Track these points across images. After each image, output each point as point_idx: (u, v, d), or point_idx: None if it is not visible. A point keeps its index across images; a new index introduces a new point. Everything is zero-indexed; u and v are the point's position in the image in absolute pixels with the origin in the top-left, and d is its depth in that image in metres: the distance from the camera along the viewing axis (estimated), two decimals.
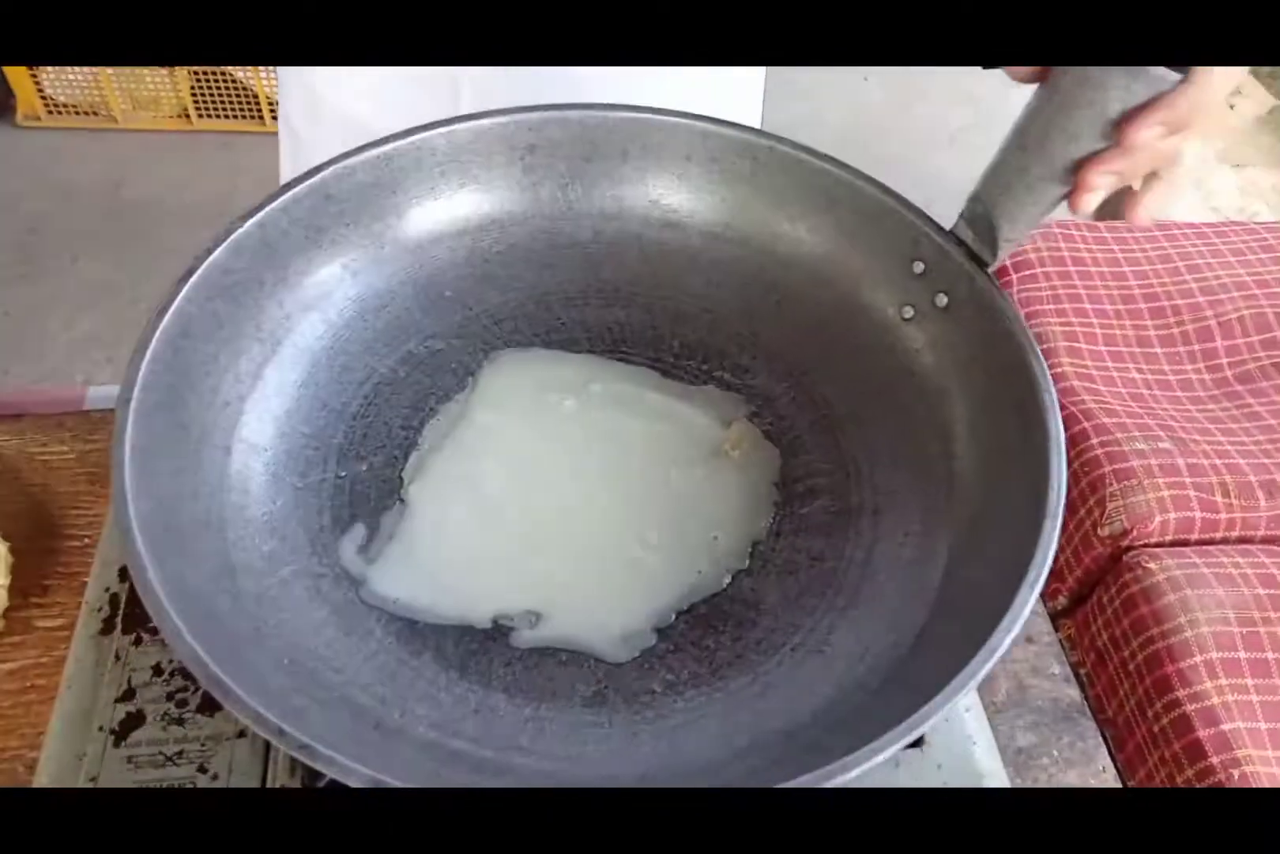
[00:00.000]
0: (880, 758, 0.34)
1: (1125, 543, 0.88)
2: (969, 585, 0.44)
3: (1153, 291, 1.02)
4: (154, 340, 0.44)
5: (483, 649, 0.45)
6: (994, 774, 0.45)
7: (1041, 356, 0.46)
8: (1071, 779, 0.54)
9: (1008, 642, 0.37)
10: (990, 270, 0.49)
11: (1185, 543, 0.90)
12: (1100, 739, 0.56)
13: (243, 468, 0.47)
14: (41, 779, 0.44)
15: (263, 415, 0.49)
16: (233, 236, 0.47)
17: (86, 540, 0.56)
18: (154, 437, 0.43)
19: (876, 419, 0.52)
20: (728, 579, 0.48)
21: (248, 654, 0.40)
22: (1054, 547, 0.40)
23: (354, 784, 0.33)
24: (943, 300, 0.51)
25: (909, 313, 0.53)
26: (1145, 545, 0.90)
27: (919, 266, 0.52)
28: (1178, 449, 0.92)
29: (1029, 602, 0.38)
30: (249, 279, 0.49)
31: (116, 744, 0.44)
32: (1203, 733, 0.78)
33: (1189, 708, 0.80)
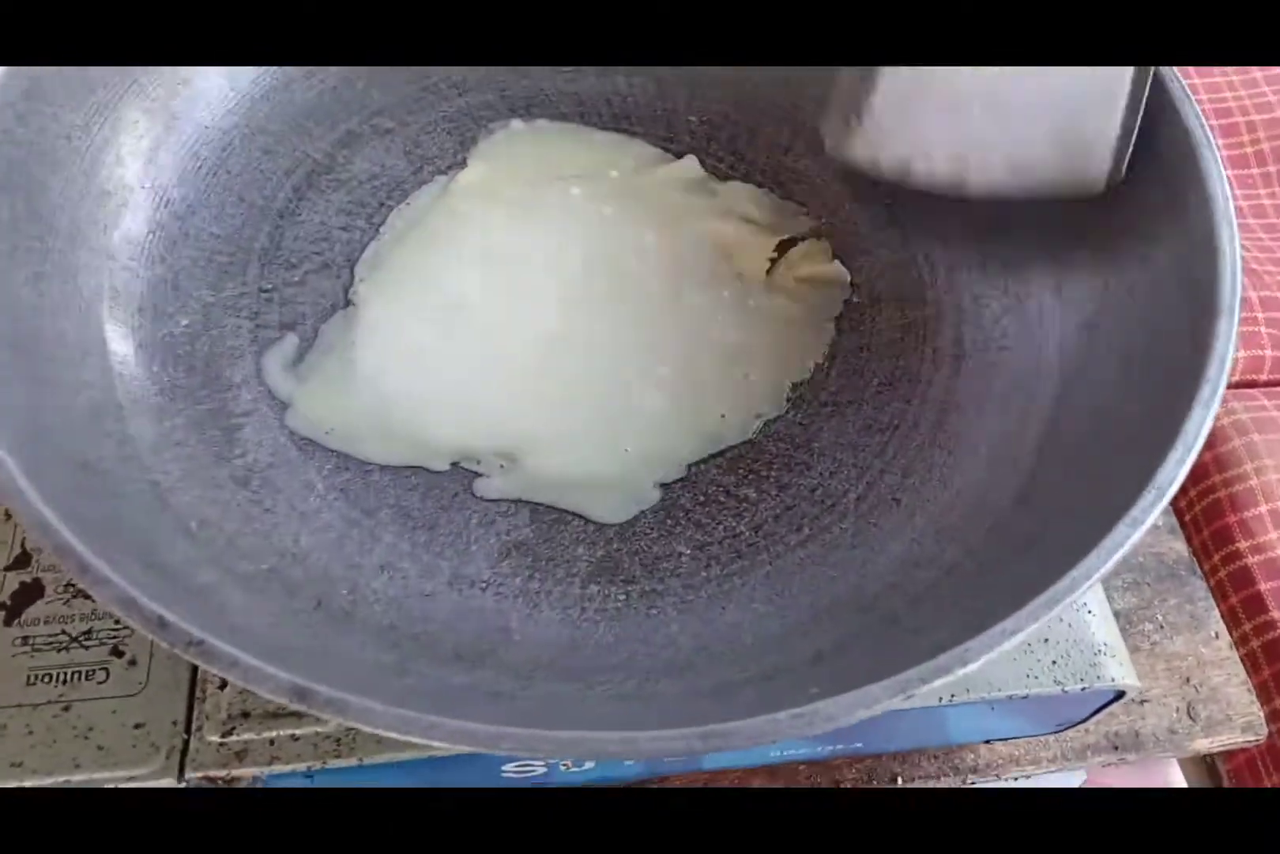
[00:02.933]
0: (1010, 642, 0.24)
1: None
2: (1095, 412, 0.33)
3: (1225, 106, 0.89)
4: None
5: (456, 505, 0.34)
6: (1113, 648, 0.35)
7: (1195, 103, 0.34)
8: (1179, 647, 0.46)
9: (1177, 479, 0.27)
10: None
11: (1253, 384, 0.82)
12: (1211, 601, 0.47)
13: (132, 278, 0.36)
14: None
15: (158, 209, 0.37)
16: None
17: None
18: None
19: (955, 207, 0.40)
20: (757, 426, 0.37)
21: (139, 516, 0.30)
22: (1231, 351, 0.29)
23: (266, 694, 0.23)
24: None
25: None
26: None
27: None
28: (1249, 282, 0.81)
29: (1204, 423, 0.28)
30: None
31: (8, 622, 0.35)
32: (1264, 586, 0.71)
33: (1250, 560, 0.73)
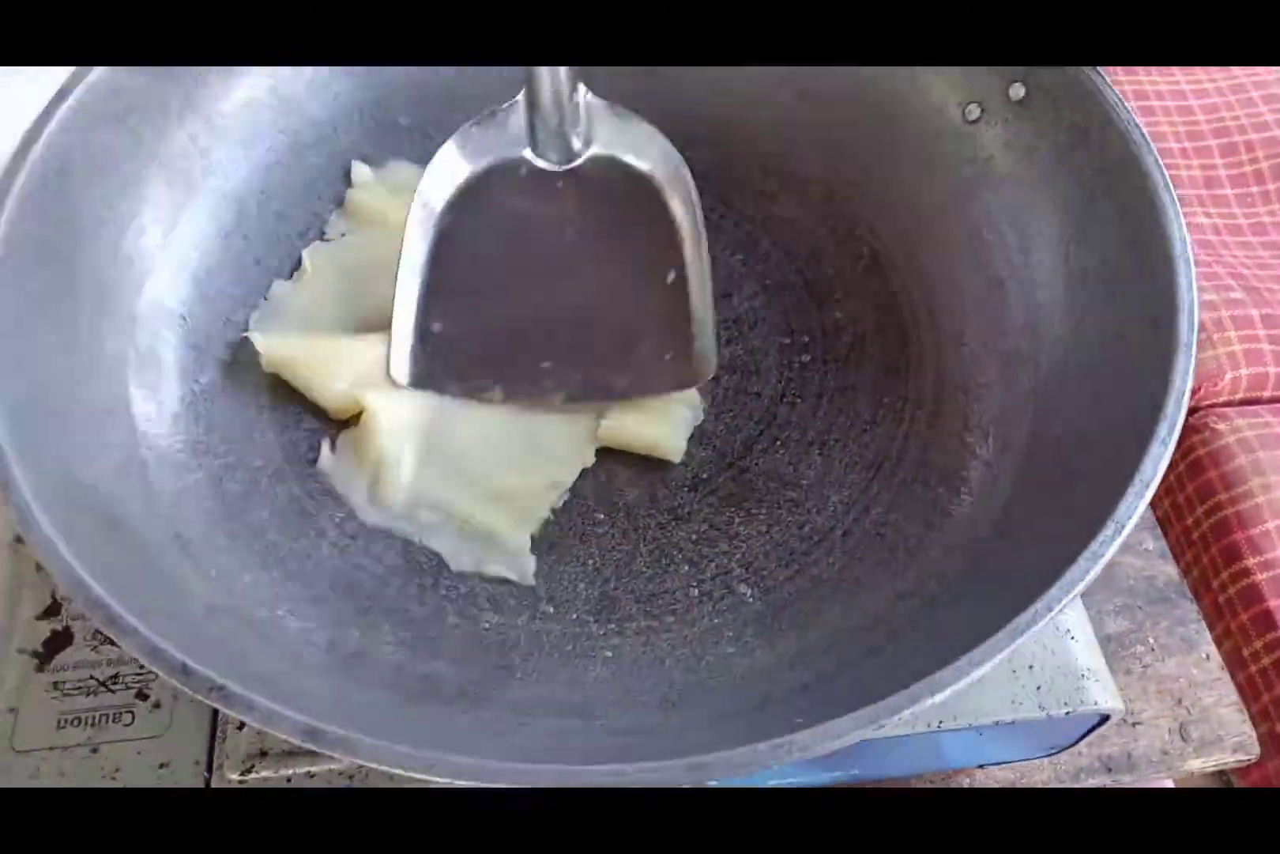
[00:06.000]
0: (978, 673, 0.26)
1: (1192, 403, 0.81)
2: (1066, 446, 0.35)
3: (1224, 126, 0.91)
4: (20, 180, 0.34)
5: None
6: (1096, 673, 0.37)
7: (1154, 149, 0.36)
8: (1171, 669, 0.47)
9: (1135, 514, 0.28)
10: None
11: (1258, 401, 0.83)
12: (1202, 623, 0.48)
13: (155, 341, 0.38)
14: None
15: (178, 274, 0.40)
16: None
17: None
18: (30, 302, 0.34)
19: (936, 250, 0.42)
20: None
21: (164, 567, 0.32)
22: (1189, 386, 0.31)
23: (281, 734, 0.25)
24: (1018, 92, 0.40)
25: (975, 112, 0.42)
26: (1213, 405, 0.83)
27: None
28: (1251, 299, 0.82)
29: (1161, 460, 0.29)
30: (147, 103, 0.39)
31: (40, 668, 0.37)
32: (1273, 602, 0.71)
33: (1259, 577, 0.73)
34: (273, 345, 0.39)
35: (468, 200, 0.39)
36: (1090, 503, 0.30)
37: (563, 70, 0.37)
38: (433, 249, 0.39)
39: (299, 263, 0.42)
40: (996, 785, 0.44)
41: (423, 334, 0.39)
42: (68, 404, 0.34)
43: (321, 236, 0.43)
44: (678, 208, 0.40)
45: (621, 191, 0.40)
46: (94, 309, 0.36)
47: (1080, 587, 0.27)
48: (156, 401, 0.37)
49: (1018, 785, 0.44)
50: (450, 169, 0.40)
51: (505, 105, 0.39)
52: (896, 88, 0.44)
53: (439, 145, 0.46)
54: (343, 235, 0.43)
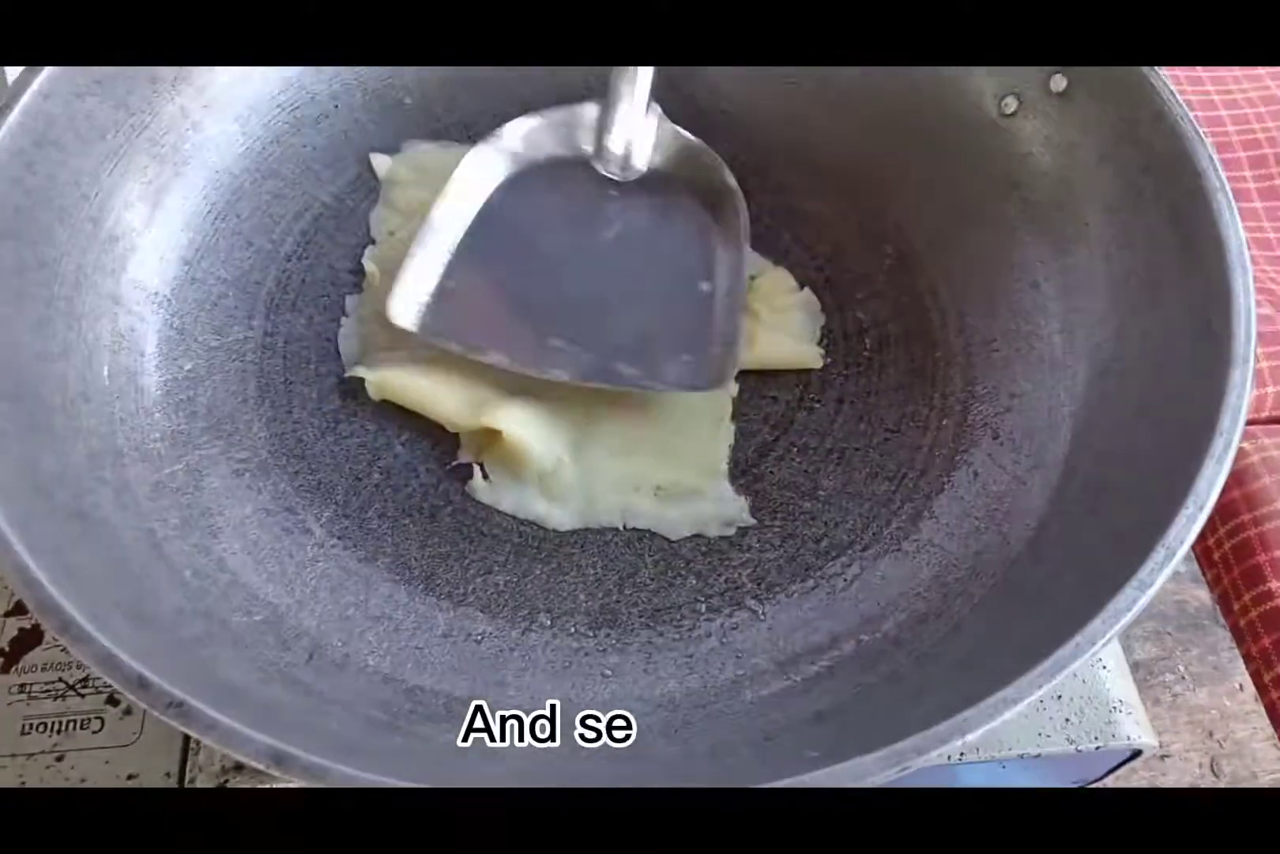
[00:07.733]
0: (1011, 712, 0.23)
1: None
2: (1107, 463, 0.32)
3: (1254, 138, 0.88)
4: None
5: (455, 555, 0.34)
6: (1129, 705, 0.34)
7: (1209, 145, 0.33)
8: (1202, 699, 0.44)
9: (1188, 538, 0.26)
10: None
11: None
12: (1235, 652, 0.45)
13: (137, 323, 0.36)
14: None
15: (165, 255, 0.37)
16: None
17: None
18: (1, 276, 0.31)
19: (967, 249, 0.40)
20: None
21: (133, 566, 0.30)
22: (1246, 400, 0.28)
23: (243, 759, 0.22)
24: (1060, 83, 0.38)
25: (1012, 105, 0.39)
26: None
27: None
28: (1279, 315, 0.80)
29: (1217, 479, 0.27)
30: (136, 70, 0.36)
31: (6, 669, 0.35)
32: None
33: None
34: (384, 380, 0.37)
35: (518, 181, 0.40)
36: (1137, 525, 0.27)
37: (642, 90, 0.39)
38: (473, 215, 0.39)
39: (296, 247, 0.40)
40: None
41: (439, 287, 0.37)
42: (38, 389, 0.31)
43: (371, 242, 0.41)
44: (723, 231, 0.40)
45: (672, 207, 0.40)
46: (72, 288, 0.34)
47: (1127, 618, 0.25)
48: (136, 387, 0.35)
49: None
50: (508, 149, 0.40)
51: (578, 105, 0.40)
52: (925, 79, 0.41)
53: (444, 126, 0.44)
54: (391, 234, 0.41)
